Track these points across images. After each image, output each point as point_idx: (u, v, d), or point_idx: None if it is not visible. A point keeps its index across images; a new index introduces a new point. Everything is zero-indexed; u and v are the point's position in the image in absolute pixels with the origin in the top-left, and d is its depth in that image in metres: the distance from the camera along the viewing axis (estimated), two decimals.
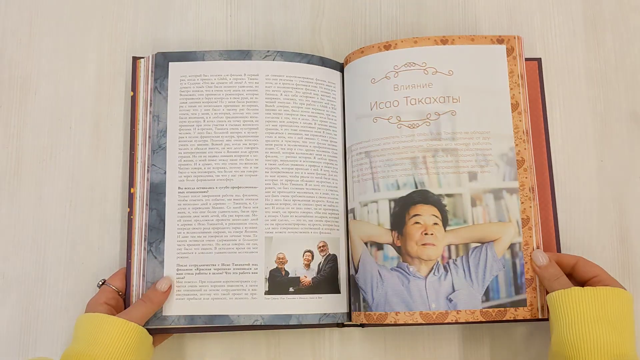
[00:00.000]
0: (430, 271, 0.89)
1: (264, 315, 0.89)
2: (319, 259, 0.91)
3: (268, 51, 0.96)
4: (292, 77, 0.95)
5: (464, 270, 0.89)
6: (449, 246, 0.89)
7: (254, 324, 0.89)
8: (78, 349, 0.79)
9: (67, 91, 1.01)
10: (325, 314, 0.90)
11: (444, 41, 0.95)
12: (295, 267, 0.90)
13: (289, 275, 0.90)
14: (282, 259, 0.90)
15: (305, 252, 0.91)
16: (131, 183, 0.94)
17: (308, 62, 0.96)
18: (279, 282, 0.90)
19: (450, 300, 0.88)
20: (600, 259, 0.96)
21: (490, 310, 0.87)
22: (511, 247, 0.90)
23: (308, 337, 0.95)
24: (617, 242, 0.97)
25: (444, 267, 0.89)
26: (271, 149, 0.93)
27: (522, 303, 0.88)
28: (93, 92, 1.01)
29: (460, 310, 0.87)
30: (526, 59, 1.00)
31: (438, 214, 0.90)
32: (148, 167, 0.93)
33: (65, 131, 1.00)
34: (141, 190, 0.93)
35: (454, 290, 0.88)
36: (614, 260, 0.97)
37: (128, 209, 0.93)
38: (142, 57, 0.97)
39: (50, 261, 0.96)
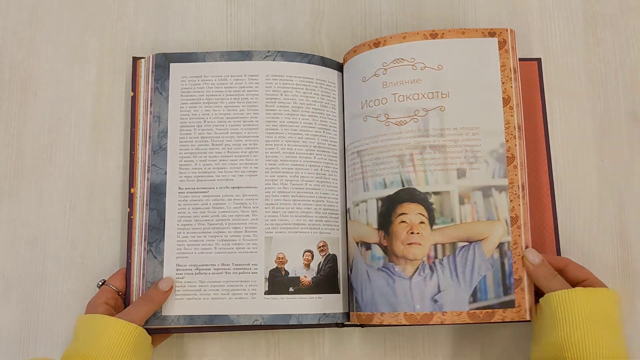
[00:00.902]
0: (415, 271, 0.87)
1: (263, 315, 0.89)
2: (318, 259, 0.91)
3: (268, 51, 0.96)
4: (292, 77, 0.95)
5: (450, 270, 0.86)
6: (435, 246, 0.87)
7: (254, 323, 0.89)
8: (78, 349, 0.79)
9: (67, 91, 1.01)
10: (324, 314, 0.90)
11: (434, 35, 0.92)
12: (295, 267, 0.90)
13: (289, 275, 0.90)
14: (282, 258, 0.90)
15: (305, 252, 0.91)
16: (131, 183, 0.94)
17: (308, 62, 0.96)
18: (279, 282, 0.90)
19: (436, 301, 0.86)
20: (600, 259, 0.96)
21: (478, 311, 0.85)
22: (499, 246, 0.87)
23: (308, 337, 0.95)
24: (617, 242, 0.97)
25: (430, 267, 0.86)
26: (271, 149, 0.93)
27: (510, 304, 0.85)
28: (93, 92, 1.01)
29: (446, 312, 0.85)
30: (526, 59, 1.00)
31: (425, 212, 0.88)
32: (148, 167, 0.93)
33: (65, 131, 1.00)
34: (141, 191, 0.93)
35: (439, 291, 0.86)
36: (614, 260, 0.97)
37: (128, 209, 0.93)
38: (142, 58, 0.97)
39: (51, 261, 0.96)
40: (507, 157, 0.88)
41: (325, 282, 0.91)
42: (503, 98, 0.90)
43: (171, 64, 0.96)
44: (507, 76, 0.90)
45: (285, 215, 0.91)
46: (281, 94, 0.94)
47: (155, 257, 0.91)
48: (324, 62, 0.97)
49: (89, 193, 0.98)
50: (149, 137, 0.94)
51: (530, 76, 0.99)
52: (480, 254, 0.86)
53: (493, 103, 0.90)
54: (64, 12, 1.04)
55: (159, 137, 0.94)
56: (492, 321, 0.85)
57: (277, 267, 0.90)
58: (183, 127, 0.94)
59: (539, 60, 1.00)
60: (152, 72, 0.96)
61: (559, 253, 0.94)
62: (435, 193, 0.88)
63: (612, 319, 0.80)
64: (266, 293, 0.90)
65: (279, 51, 0.96)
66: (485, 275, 0.86)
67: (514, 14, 1.05)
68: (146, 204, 0.92)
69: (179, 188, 0.92)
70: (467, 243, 0.87)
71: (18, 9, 1.04)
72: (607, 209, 0.98)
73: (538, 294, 0.85)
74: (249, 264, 0.90)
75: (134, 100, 0.96)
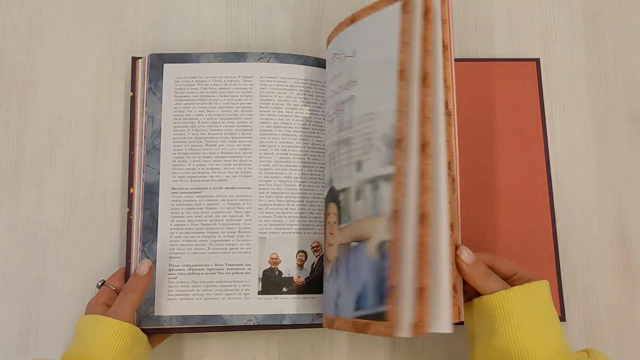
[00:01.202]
0: (330, 273, 0.82)
1: (257, 315, 0.89)
2: (312, 259, 0.91)
3: (262, 53, 0.96)
4: (287, 79, 0.95)
5: (345, 273, 0.78)
6: (340, 246, 0.79)
7: (247, 324, 0.89)
8: (76, 349, 0.80)
9: (67, 91, 1.01)
10: (318, 313, 0.90)
11: (353, 19, 0.82)
12: (289, 267, 0.90)
13: (282, 276, 0.90)
14: (276, 259, 0.90)
15: (298, 252, 0.91)
16: (130, 183, 0.94)
17: (303, 64, 0.96)
18: (272, 282, 0.90)
19: (336, 306, 0.78)
20: (600, 260, 0.96)
21: (359, 321, 0.73)
22: (381, 246, 0.72)
23: (308, 337, 0.95)
24: (617, 242, 0.97)
25: (336, 269, 0.80)
26: (265, 150, 0.93)
27: (381, 316, 0.70)
28: (93, 92, 1.01)
29: (341, 318, 0.77)
30: (525, 59, 0.99)
31: (337, 211, 0.81)
32: (143, 167, 0.94)
33: (65, 131, 1.00)
34: (138, 191, 0.93)
35: (338, 295, 0.78)
36: (614, 261, 0.96)
37: (128, 209, 0.93)
38: (141, 57, 0.98)
39: (50, 261, 0.96)
40: (395, 139, 0.73)
41: (319, 282, 0.91)
42: (398, 70, 0.74)
43: (165, 65, 0.96)
44: (406, 43, 0.74)
45: (279, 216, 0.91)
46: (275, 96, 0.94)
47: (148, 257, 0.91)
48: (319, 63, 0.96)
49: (89, 193, 0.98)
50: (144, 137, 0.94)
51: (529, 76, 0.99)
52: (365, 255, 0.75)
53: (388, 78, 0.75)
54: (64, 11, 1.04)
55: (152, 137, 0.94)
56: (369, 334, 0.72)
57: (270, 267, 0.90)
58: (177, 127, 0.94)
59: (537, 60, 1.00)
60: (147, 72, 0.96)
61: (557, 253, 0.94)
62: (342, 191, 0.80)
63: (550, 311, 0.77)
64: (259, 293, 0.90)
65: (273, 53, 0.96)
66: (367, 279, 0.74)
67: (514, 14, 1.04)
68: (142, 204, 0.93)
69: (172, 188, 0.92)
70: (357, 243, 0.76)
71: (18, 9, 1.04)
72: (607, 209, 0.98)
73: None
74: (242, 264, 0.90)
75: (133, 100, 0.96)
